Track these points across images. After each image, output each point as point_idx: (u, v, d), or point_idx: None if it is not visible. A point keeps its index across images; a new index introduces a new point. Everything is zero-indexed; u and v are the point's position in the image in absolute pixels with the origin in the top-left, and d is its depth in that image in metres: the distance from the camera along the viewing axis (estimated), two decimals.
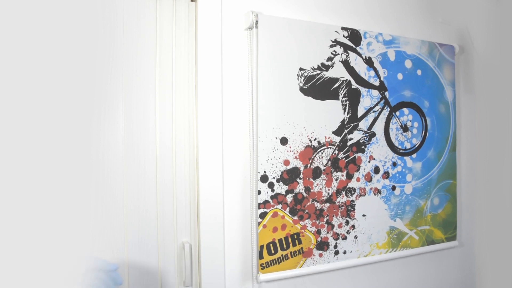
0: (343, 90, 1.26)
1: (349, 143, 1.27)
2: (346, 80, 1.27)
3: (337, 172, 1.25)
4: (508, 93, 1.55)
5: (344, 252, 1.27)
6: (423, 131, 1.44)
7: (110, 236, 1.01)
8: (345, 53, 1.27)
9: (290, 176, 1.17)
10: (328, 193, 1.24)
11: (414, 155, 1.42)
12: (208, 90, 1.11)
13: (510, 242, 1.51)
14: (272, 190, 1.14)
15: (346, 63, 1.27)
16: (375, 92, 1.33)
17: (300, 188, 1.19)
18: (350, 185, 1.28)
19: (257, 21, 1.12)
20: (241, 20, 1.16)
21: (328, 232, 1.24)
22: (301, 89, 1.19)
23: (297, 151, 1.18)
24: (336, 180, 1.25)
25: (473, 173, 1.66)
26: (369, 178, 1.32)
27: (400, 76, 1.38)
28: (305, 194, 1.19)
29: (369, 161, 1.32)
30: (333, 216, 1.25)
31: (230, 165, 1.14)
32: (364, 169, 1.31)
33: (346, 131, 1.27)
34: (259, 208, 1.13)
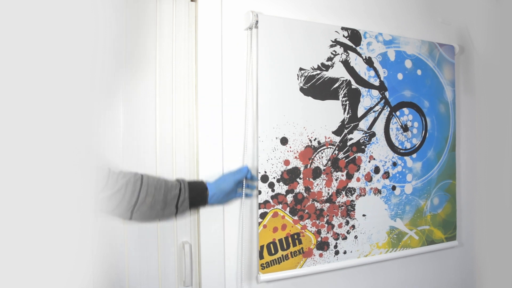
0: (343, 90, 1.26)
1: (349, 143, 1.27)
2: (346, 80, 1.27)
3: (337, 172, 1.25)
4: (508, 93, 1.55)
5: (344, 252, 1.27)
6: (423, 131, 1.44)
7: (110, 235, 1.01)
8: (345, 53, 1.27)
9: (290, 176, 1.17)
10: (328, 193, 1.24)
11: (414, 155, 1.42)
12: (208, 90, 1.11)
13: (510, 242, 1.50)
14: (273, 190, 1.14)
15: (346, 63, 1.27)
16: (375, 92, 1.33)
17: (300, 188, 1.19)
18: (350, 185, 1.28)
19: (257, 21, 1.12)
20: (241, 20, 1.16)
21: (328, 232, 1.24)
22: (301, 89, 1.19)
23: (297, 151, 1.18)
24: (336, 180, 1.25)
25: (473, 173, 1.66)
26: (369, 178, 1.32)
27: (400, 76, 1.38)
28: (305, 194, 1.19)
29: (369, 161, 1.32)
30: (333, 216, 1.25)
31: (230, 165, 1.14)
32: (364, 169, 1.31)
33: (346, 131, 1.27)
34: (260, 208, 1.12)
